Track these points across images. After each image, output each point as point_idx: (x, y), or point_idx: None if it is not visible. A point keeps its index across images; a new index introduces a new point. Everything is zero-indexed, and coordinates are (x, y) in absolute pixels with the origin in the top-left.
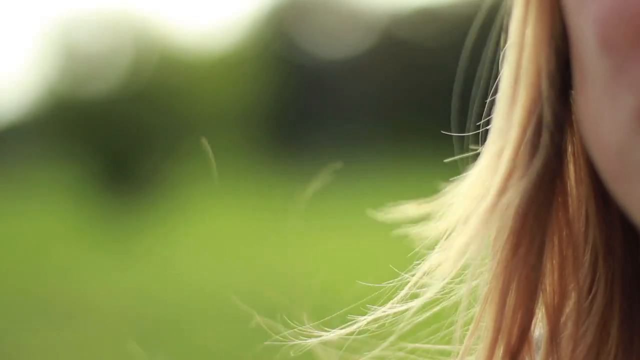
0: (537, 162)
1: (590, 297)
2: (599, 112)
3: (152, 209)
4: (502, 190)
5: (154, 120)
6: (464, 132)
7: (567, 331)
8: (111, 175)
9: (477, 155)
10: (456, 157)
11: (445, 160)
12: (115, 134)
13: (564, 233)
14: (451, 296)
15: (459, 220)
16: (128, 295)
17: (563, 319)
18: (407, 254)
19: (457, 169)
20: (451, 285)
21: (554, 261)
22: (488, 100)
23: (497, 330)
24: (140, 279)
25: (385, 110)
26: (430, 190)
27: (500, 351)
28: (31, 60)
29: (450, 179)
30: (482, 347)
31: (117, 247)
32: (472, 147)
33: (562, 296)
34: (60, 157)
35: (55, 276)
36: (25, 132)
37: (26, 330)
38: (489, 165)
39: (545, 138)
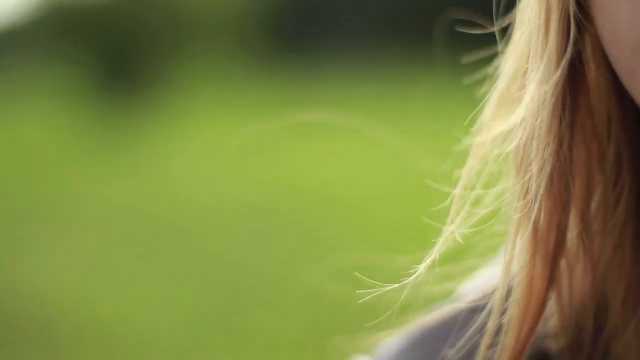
0: (567, 58)
1: (617, 191)
2: (615, 8)
3: (151, 116)
4: (532, 88)
5: (155, 25)
6: (469, 38)
7: (595, 226)
8: (111, 82)
9: (486, 58)
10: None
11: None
12: (115, 39)
13: (588, 127)
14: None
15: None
16: (127, 203)
17: (591, 213)
18: (410, 163)
19: (461, 74)
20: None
21: (581, 156)
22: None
23: (536, 235)
24: (139, 187)
25: (386, 17)
26: (433, 96)
27: (541, 254)
28: None
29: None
30: (522, 254)
31: (116, 154)
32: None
33: (589, 190)
34: (58, 62)
35: (51, 183)
36: (23, 36)
37: (22, 241)
38: (518, 59)
39: (573, 32)
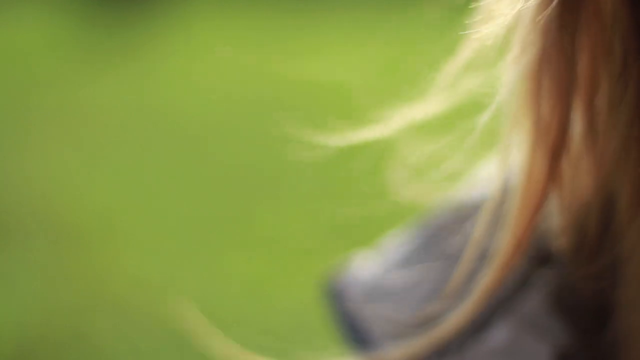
0: None
1: (622, 84)
2: None
3: (153, 17)
4: None
5: None
6: None
7: (599, 122)
8: None
9: None
10: None
11: None
12: None
13: (593, 22)
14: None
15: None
16: (129, 102)
17: (594, 109)
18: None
19: None
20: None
21: (585, 50)
22: None
23: (536, 127)
24: (142, 87)
25: None
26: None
27: (541, 149)
28: None
29: None
30: (523, 146)
31: (118, 55)
32: None
33: (594, 85)
34: None
35: (52, 83)
36: None
37: (23, 141)
38: None
39: None
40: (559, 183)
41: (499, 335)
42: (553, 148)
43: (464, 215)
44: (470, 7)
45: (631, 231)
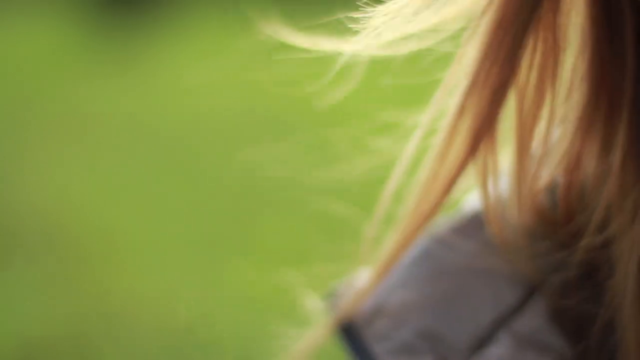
0: None
1: (569, 102)
2: None
3: (155, 29)
4: None
5: None
6: None
7: (540, 133)
8: None
9: None
10: None
11: None
12: None
13: (550, 37)
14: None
15: None
16: (129, 115)
17: (537, 123)
18: None
19: None
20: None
21: (535, 60)
22: None
23: (470, 93)
24: (141, 99)
25: None
26: None
27: (463, 128)
28: None
29: None
30: (444, 122)
31: (118, 67)
32: None
33: (539, 95)
34: None
35: (56, 98)
36: None
37: (22, 154)
38: None
39: None
40: (481, 171)
41: (499, 351)
42: (476, 130)
43: (461, 227)
44: None
45: (618, 241)
